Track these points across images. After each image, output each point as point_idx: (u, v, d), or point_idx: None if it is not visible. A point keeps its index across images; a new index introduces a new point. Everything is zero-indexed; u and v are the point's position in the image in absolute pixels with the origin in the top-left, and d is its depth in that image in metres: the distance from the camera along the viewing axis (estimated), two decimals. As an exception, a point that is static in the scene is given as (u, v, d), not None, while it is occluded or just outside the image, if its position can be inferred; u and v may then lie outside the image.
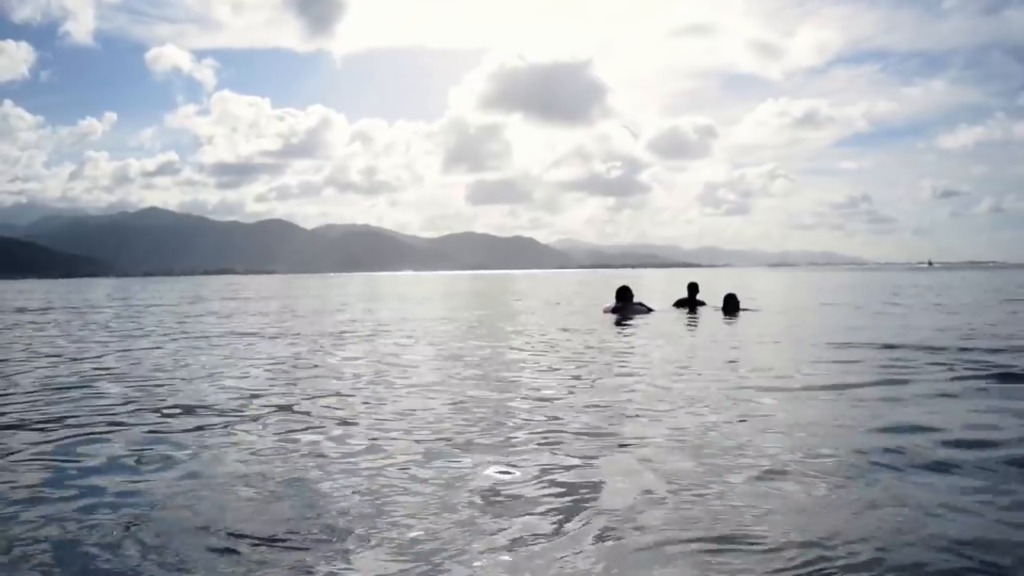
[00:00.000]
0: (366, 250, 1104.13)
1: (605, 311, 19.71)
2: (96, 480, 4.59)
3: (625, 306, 18.95)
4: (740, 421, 6.05)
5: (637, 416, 6.34)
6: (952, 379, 8.06)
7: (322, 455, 5.12)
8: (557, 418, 6.25)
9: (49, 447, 5.50)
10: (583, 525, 3.70)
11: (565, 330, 15.39)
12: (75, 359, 11.34)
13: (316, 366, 10.11)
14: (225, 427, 6.10)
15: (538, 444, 5.34)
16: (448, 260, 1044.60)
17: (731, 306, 19.40)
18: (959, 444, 5.15)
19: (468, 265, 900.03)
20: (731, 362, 9.79)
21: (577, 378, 8.67)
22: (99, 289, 68.32)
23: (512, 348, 12.08)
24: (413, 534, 3.60)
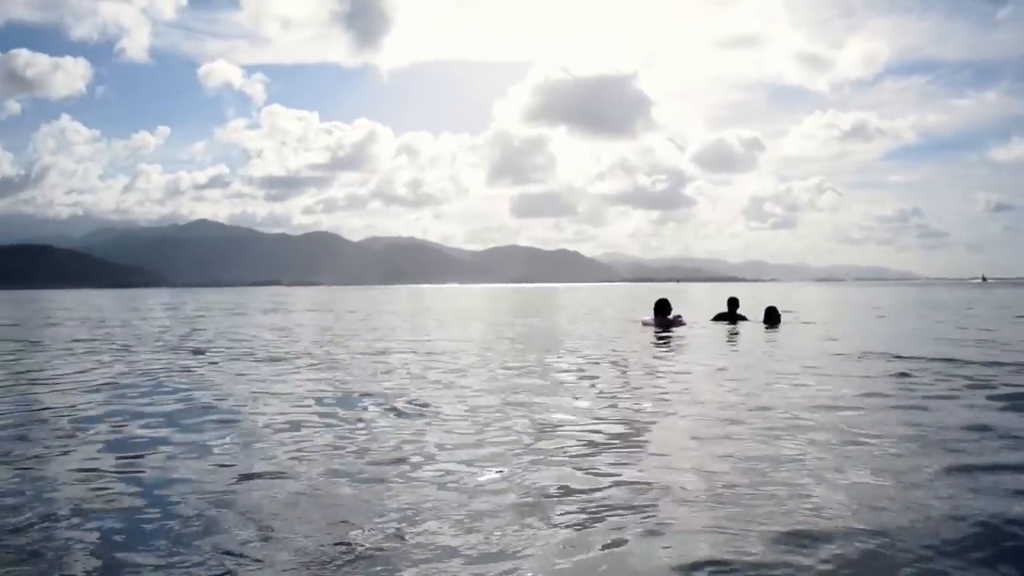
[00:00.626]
0: (411, 262, 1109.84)
1: (644, 324, 20.00)
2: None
3: (663, 319, 19.23)
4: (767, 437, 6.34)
5: (665, 424, 6.71)
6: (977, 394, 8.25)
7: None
8: (591, 425, 6.65)
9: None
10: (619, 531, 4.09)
11: (605, 341, 15.78)
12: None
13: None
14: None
15: (573, 452, 5.76)
16: (492, 273, 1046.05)
17: (772, 318, 19.55)
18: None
19: (512, 278, 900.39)
20: (766, 376, 10.04)
21: (608, 389, 9.04)
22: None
23: (555, 359, 12.49)
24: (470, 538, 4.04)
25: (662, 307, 19.51)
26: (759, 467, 4.93)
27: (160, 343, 16.70)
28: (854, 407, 7.23)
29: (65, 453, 5.71)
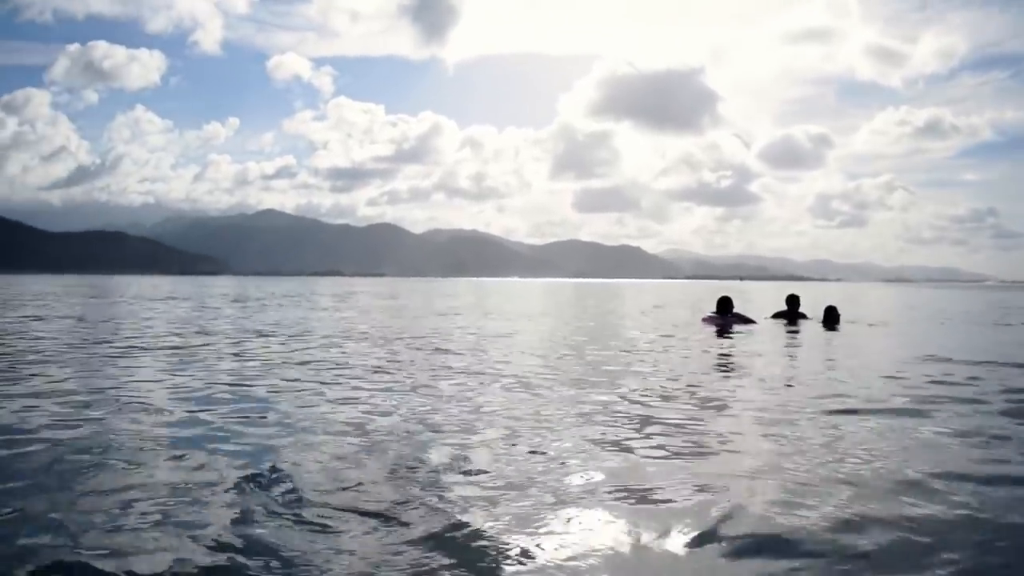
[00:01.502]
0: (473, 255, 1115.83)
1: (704, 321, 19.94)
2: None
3: (725, 316, 19.15)
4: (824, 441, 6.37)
5: (726, 425, 6.77)
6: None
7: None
8: (649, 419, 6.74)
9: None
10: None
11: (667, 337, 15.83)
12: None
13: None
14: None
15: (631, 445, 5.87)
16: (553, 267, 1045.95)
17: (832, 319, 19.26)
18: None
19: (573, 273, 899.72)
20: (822, 376, 9.99)
21: (668, 385, 9.11)
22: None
23: (615, 354, 12.58)
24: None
25: (724, 304, 19.42)
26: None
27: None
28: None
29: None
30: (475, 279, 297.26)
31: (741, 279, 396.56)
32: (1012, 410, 7.09)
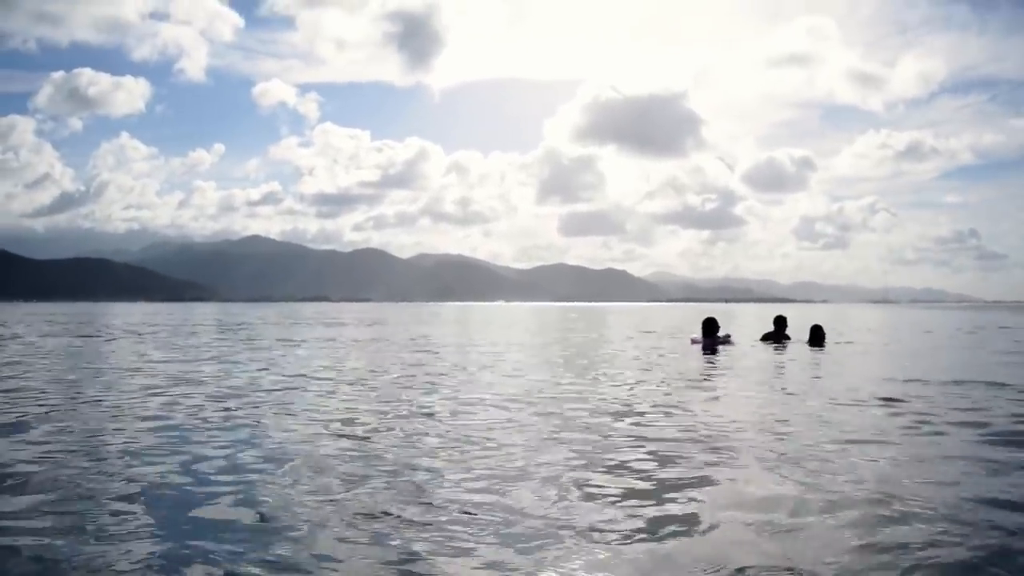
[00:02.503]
0: (459, 280, 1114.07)
1: (692, 342, 20.32)
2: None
3: (711, 338, 19.54)
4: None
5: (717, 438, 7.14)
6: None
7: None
8: (640, 434, 7.10)
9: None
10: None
11: (659, 358, 16.21)
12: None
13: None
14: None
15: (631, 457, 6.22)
16: (540, 291, 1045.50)
17: (817, 338, 19.67)
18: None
19: (560, 296, 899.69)
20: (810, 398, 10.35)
21: (662, 403, 9.47)
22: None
23: (603, 376, 12.94)
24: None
25: (710, 326, 19.81)
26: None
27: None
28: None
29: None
30: (462, 303, 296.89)
31: (727, 301, 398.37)
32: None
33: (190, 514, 4.46)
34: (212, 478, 5.34)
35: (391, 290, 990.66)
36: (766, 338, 21.01)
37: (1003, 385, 10.96)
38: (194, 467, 5.66)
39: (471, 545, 3.94)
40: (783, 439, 6.75)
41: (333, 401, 9.51)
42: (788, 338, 20.69)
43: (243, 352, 18.44)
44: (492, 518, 4.35)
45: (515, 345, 21.83)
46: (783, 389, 10.63)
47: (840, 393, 10.03)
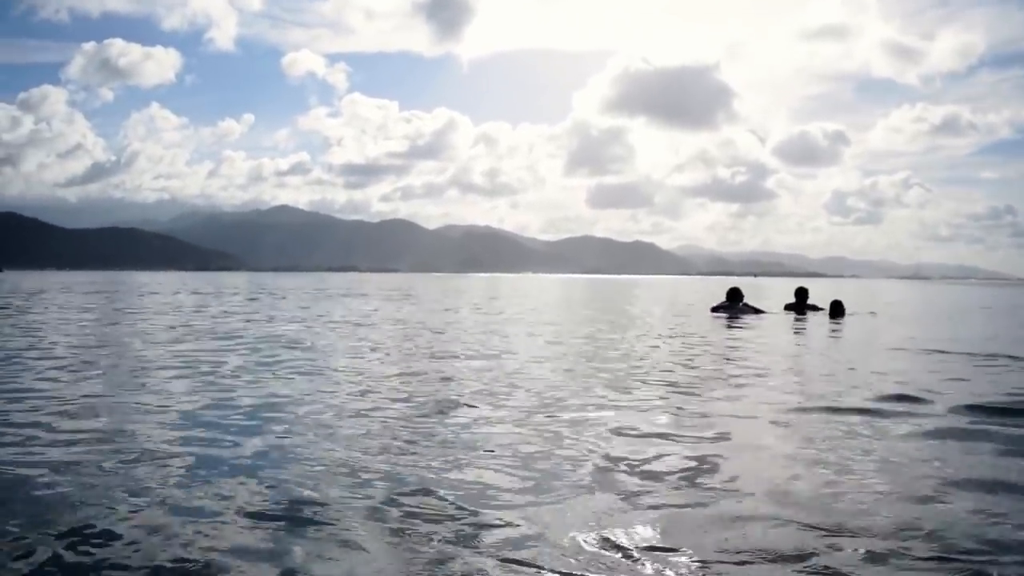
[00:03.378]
0: (486, 251, 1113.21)
1: (713, 310, 21.19)
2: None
3: (733, 306, 20.41)
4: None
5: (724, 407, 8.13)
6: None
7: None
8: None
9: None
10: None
11: (678, 326, 17.18)
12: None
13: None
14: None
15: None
16: (567, 263, 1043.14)
17: (837, 311, 20.55)
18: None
19: (586, 269, 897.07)
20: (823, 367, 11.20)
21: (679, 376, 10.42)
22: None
23: (627, 342, 13.93)
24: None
25: (734, 295, 20.70)
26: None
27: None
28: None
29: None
30: (489, 274, 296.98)
31: (755, 275, 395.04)
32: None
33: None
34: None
35: (418, 261, 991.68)
36: (788, 308, 21.83)
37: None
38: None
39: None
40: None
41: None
42: (816, 308, 21.49)
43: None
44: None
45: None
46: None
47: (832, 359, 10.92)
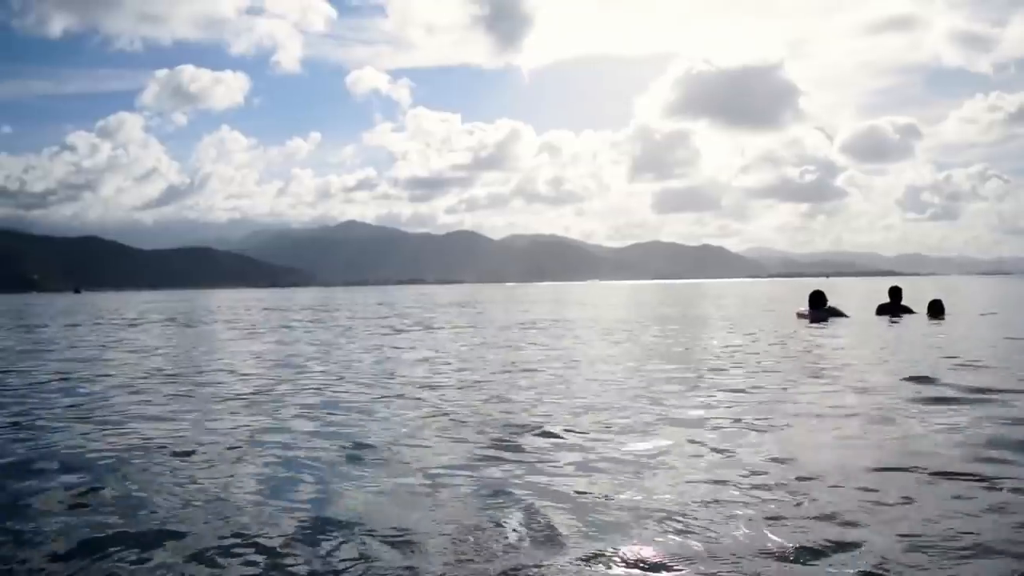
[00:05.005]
0: (552, 259, 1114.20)
1: (799, 315, 19.49)
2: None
3: (819, 311, 18.70)
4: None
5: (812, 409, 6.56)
6: None
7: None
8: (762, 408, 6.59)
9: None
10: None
11: (759, 331, 15.53)
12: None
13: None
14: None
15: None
16: (634, 270, 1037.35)
17: (937, 311, 18.54)
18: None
19: (654, 274, 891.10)
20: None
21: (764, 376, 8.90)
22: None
23: (713, 347, 12.40)
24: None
25: (818, 299, 18.97)
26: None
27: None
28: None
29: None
30: (555, 283, 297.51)
31: (827, 276, 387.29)
32: None
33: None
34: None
35: (484, 271, 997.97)
36: (882, 310, 19.84)
37: None
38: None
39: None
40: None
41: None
42: (908, 310, 19.49)
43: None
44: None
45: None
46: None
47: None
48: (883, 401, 6.85)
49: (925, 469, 4.43)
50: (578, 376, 9.24)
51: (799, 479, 4.29)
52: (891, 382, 8.08)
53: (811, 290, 20.08)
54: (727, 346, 12.81)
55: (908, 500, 3.88)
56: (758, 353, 11.48)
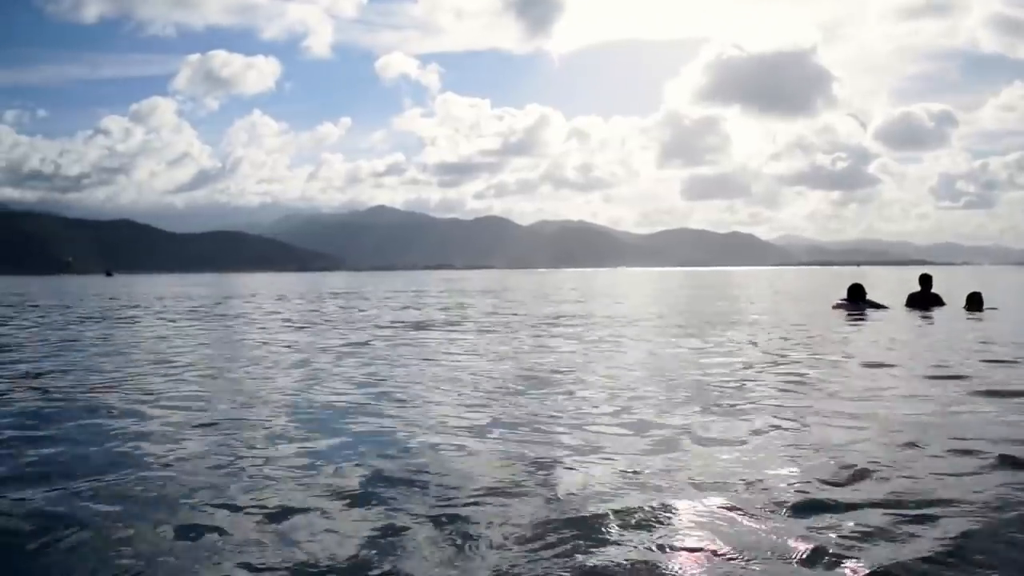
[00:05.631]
0: (580, 245, 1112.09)
1: (835, 307, 19.25)
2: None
3: (857, 303, 18.49)
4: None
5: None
6: None
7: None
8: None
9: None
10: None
11: (799, 324, 15.40)
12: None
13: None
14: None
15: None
16: (662, 256, 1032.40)
17: (975, 304, 18.10)
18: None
19: (683, 261, 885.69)
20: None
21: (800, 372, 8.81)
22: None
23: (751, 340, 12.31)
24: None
25: (856, 292, 18.73)
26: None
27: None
28: None
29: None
30: (583, 269, 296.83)
31: (859, 264, 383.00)
32: None
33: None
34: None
35: (512, 257, 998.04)
36: (912, 301, 19.31)
37: None
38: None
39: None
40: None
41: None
42: (940, 301, 18.97)
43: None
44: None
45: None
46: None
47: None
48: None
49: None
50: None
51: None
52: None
53: (849, 282, 19.86)
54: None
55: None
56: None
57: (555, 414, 6.28)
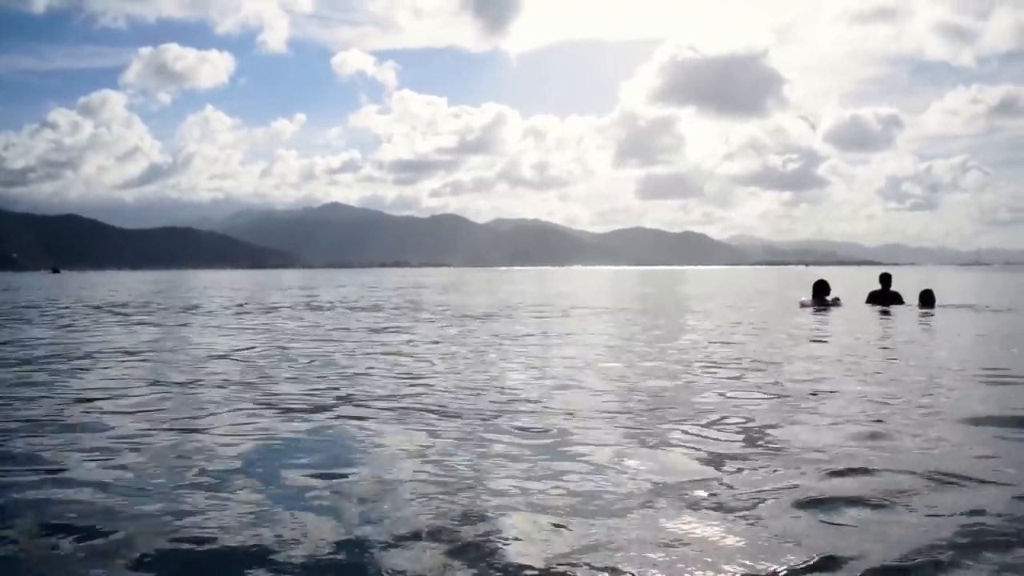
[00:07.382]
0: (536, 244, 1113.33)
1: (802, 305, 20.15)
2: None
3: (823, 300, 19.44)
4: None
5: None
6: None
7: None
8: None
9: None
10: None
11: (766, 323, 16.21)
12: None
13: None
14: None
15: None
16: (617, 255, 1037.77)
17: (928, 301, 19.19)
18: None
19: (637, 261, 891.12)
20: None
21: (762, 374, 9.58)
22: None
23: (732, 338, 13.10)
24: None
25: (821, 289, 19.73)
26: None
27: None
28: None
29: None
30: (539, 268, 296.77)
31: (807, 264, 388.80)
32: None
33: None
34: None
35: (469, 255, 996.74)
36: (873, 298, 20.39)
37: None
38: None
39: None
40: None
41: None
42: (898, 298, 19.93)
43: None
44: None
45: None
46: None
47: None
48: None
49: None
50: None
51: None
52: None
53: (813, 280, 20.84)
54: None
55: None
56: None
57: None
